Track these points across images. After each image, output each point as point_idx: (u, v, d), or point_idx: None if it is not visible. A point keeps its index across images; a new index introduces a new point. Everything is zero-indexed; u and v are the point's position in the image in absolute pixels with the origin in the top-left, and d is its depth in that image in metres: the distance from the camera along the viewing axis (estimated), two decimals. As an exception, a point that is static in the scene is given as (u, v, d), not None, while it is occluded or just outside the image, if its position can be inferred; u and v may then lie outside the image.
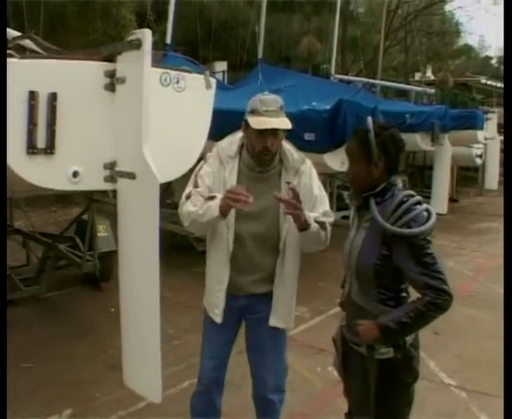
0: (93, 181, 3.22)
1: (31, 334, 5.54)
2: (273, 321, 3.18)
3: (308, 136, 6.97)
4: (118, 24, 16.64)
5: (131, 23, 17.33)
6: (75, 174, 3.11)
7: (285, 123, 2.93)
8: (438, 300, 2.43)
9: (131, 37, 3.00)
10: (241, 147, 3.12)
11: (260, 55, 12.44)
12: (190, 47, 15.53)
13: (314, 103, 7.83)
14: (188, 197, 3.05)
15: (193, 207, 2.99)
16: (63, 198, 11.39)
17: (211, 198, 2.94)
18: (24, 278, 6.67)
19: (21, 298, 6.36)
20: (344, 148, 2.79)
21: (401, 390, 2.67)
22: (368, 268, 2.58)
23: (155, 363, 3.10)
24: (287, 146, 3.12)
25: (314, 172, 3.19)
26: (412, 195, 2.57)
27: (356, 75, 21.33)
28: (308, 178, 3.13)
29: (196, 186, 3.07)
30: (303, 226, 2.92)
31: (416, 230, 2.46)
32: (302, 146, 6.67)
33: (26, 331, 5.61)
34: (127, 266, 3.26)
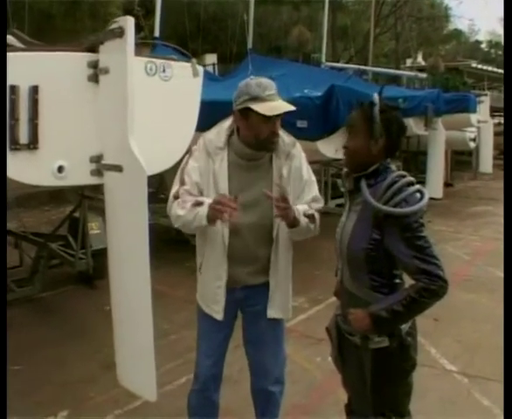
0: (80, 175, 3.14)
1: (24, 336, 5.44)
2: (271, 312, 3.11)
3: (301, 123, 6.84)
4: (106, 21, 16.47)
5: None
6: (60, 168, 3.03)
7: (289, 105, 2.85)
8: (432, 286, 2.32)
9: (113, 26, 2.91)
10: (229, 136, 2.99)
11: (250, 45, 12.32)
12: (180, 41, 15.40)
13: (305, 90, 7.73)
14: (176, 197, 2.95)
15: (181, 210, 2.89)
16: (56, 197, 11.29)
17: (199, 204, 2.85)
18: (17, 279, 6.60)
19: (14, 300, 6.27)
20: (345, 121, 2.71)
21: (398, 380, 2.59)
22: (359, 253, 2.49)
23: (149, 360, 3.02)
24: None
25: (303, 155, 3.11)
26: (404, 176, 2.48)
27: (347, 63, 21.25)
28: (299, 161, 3.06)
29: (182, 183, 2.96)
30: (292, 224, 2.87)
31: (407, 209, 2.36)
32: (295, 133, 6.53)
33: (19, 333, 5.49)
34: (117, 262, 3.19)
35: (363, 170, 2.53)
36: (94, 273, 6.56)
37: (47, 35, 12.82)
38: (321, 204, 3.10)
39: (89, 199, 6.41)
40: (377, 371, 2.54)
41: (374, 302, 2.47)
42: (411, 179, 2.49)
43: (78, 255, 6.21)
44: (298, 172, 3.04)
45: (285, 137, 3.03)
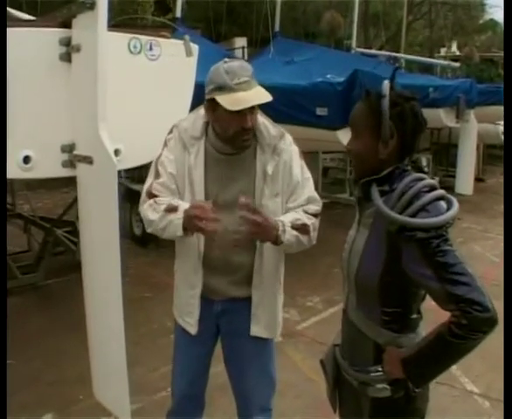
0: (49, 166, 2.80)
1: (23, 327, 5.24)
2: (255, 330, 2.70)
3: (320, 111, 6.35)
4: (134, 1, 16.34)
5: (148, -1, 17.01)
6: (26, 159, 2.69)
7: (264, 95, 2.40)
8: (463, 320, 1.73)
9: None
10: (207, 124, 2.58)
11: (277, 28, 11.93)
12: (209, 24, 15.05)
13: (328, 75, 7.29)
14: (149, 193, 2.56)
15: (153, 214, 2.50)
16: (74, 179, 11.14)
17: (173, 209, 2.45)
18: (23, 265, 6.41)
19: (17, 287, 6.07)
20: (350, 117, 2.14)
21: None
22: (371, 279, 2.00)
23: (123, 378, 2.70)
24: (261, 119, 2.58)
25: (295, 149, 2.65)
26: (422, 179, 1.96)
27: (379, 50, 20.75)
28: (289, 157, 2.61)
29: (157, 175, 2.57)
30: (274, 242, 2.46)
31: (426, 221, 1.83)
32: (314, 122, 6.16)
33: (18, 323, 5.28)
34: (88, 261, 2.88)
35: (373, 174, 2.03)
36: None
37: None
38: (318, 206, 2.67)
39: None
40: None
41: (382, 341, 2.04)
42: (432, 182, 1.96)
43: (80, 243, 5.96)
44: (287, 170, 2.60)
45: (270, 128, 2.59)
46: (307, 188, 2.65)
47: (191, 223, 2.37)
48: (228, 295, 2.67)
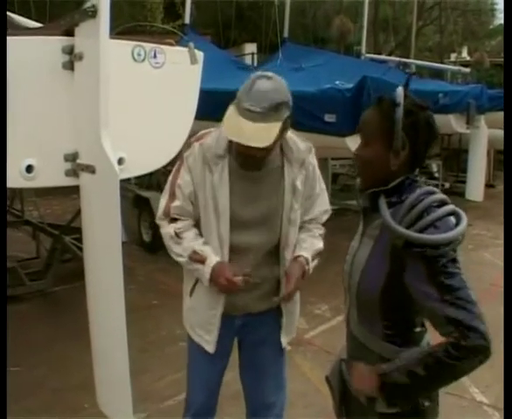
0: (53, 175, 2.77)
1: (30, 334, 5.22)
2: (285, 340, 2.77)
3: (329, 118, 6.29)
4: (145, 7, 16.43)
5: (157, 5, 17.10)
6: (29, 168, 2.67)
7: (264, 137, 2.24)
8: (463, 342, 1.67)
9: (86, 4, 2.51)
10: (231, 141, 2.46)
11: (286, 34, 11.91)
12: (219, 30, 15.09)
13: (337, 82, 7.23)
14: (167, 214, 2.55)
15: (179, 248, 2.53)
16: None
17: (198, 260, 2.48)
18: (31, 272, 6.40)
19: (25, 294, 6.07)
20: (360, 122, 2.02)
21: None
22: (372, 293, 1.93)
23: (126, 388, 2.68)
24: (289, 134, 2.52)
25: (315, 162, 2.66)
26: (432, 192, 1.88)
27: (388, 55, 20.73)
28: (313, 170, 2.63)
29: (173, 196, 2.54)
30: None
31: (435, 237, 1.75)
32: (322, 128, 6.11)
33: (24, 330, 5.27)
34: (91, 270, 2.87)
35: (381, 185, 1.94)
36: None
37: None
38: (328, 215, 2.75)
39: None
40: None
41: (387, 355, 1.94)
42: (443, 197, 1.89)
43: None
44: (311, 182, 2.62)
45: (299, 143, 2.55)
46: (325, 199, 2.73)
47: (219, 286, 2.49)
48: (251, 310, 2.67)
